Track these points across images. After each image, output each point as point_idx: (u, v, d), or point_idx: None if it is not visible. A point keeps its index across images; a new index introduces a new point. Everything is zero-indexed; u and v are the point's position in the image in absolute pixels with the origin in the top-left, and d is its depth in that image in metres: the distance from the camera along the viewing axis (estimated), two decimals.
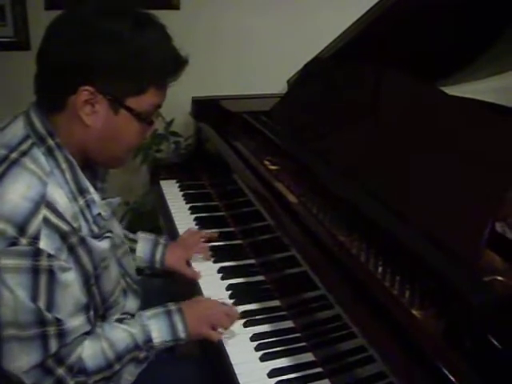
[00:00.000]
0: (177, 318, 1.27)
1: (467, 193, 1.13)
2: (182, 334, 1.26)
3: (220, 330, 1.31)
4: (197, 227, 1.80)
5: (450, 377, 0.86)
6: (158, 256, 1.58)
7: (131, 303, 1.37)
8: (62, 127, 1.10)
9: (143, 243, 1.59)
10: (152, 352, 1.24)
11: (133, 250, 1.56)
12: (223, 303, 1.38)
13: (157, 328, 1.24)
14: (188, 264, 1.60)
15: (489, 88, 2.07)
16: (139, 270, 1.56)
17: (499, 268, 1.09)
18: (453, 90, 1.43)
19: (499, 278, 1.06)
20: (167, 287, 1.71)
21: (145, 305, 1.42)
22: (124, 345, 1.19)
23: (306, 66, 1.94)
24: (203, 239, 1.68)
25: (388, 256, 1.18)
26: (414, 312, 1.04)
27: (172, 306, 1.30)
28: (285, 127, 1.81)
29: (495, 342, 0.87)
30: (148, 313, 1.28)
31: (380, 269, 1.16)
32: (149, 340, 1.23)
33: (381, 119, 1.46)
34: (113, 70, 1.05)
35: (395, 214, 1.22)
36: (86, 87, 1.04)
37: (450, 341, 0.95)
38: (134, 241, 1.58)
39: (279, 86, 2.16)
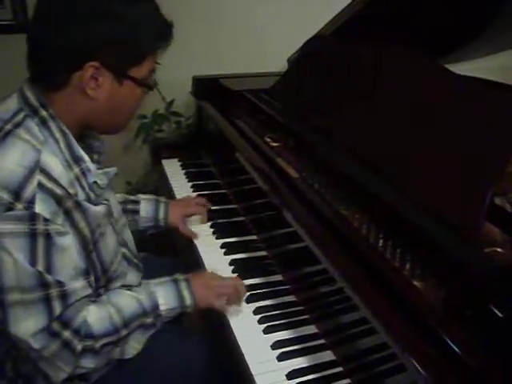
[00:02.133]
0: (183, 286, 1.29)
1: (467, 166, 1.14)
2: (188, 302, 1.28)
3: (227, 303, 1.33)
4: None
5: (453, 346, 0.88)
6: (161, 214, 1.65)
7: (132, 276, 1.38)
8: (61, 101, 1.12)
9: (146, 203, 1.65)
10: (159, 320, 1.26)
11: (136, 212, 1.62)
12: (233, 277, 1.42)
13: (163, 295, 1.27)
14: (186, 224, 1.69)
15: (487, 66, 2.07)
16: (142, 233, 1.63)
17: (498, 240, 1.10)
18: (453, 68, 1.43)
19: (498, 249, 1.07)
20: (170, 265, 1.72)
21: None
22: (131, 310, 1.21)
23: (306, 43, 1.94)
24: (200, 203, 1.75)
25: (389, 229, 1.19)
26: (416, 283, 1.05)
27: (179, 276, 1.32)
28: (285, 104, 1.82)
29: (496, 311, 0.89)
30: (155, 281, 1.30)
31: (381, 241, 1.18)
32: (156, 306, 1.25)
33: (381, 95, 1.46)
34: (115, 45, 1.08)
35: (396, 187, 1.23)
36: (92, 63, 1.07)
37: (452, 310, 0.96)
38: (137, 202, 1.64)
39: (280, 65, 2.16)
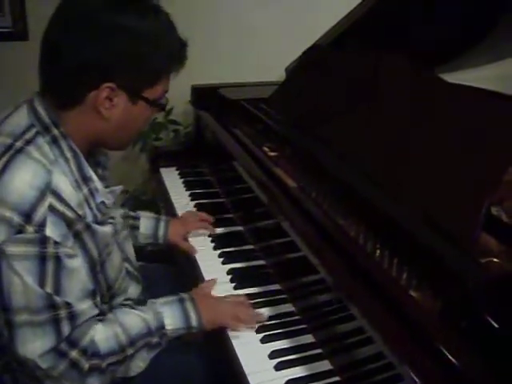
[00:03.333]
0: (190, 307, 1.29)
1: (464, 176, 1.14)
2: (194, 323, 1.28)
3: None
4: None
5: (449, 356, 0.88)
6: (160, 231, 1.65)
7: (132, 289, 1.39)
8: (72, 119, 1.11)
9: (145, 220, 1.65)
10: (164, 339, 1.26)
11: (135, 228, 1.62)
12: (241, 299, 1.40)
13: (170, 315, 1.26)
14: (186, 240, 1.68)
15: (487, 76, 2.07)
16: (141, 248, 1.63)
17: (495, 250, 1.10)
18: (451, 77, 1.44)
19: (495, 259, 1.07)
20: (168, 274, 1.73)
21: (146, 291, 1.44)
22: (137, 330, 1.21)
23: (304, 53, 1.95)
24: (201, 219, 1.74)
25: (386, 239, 1.20)
26: (412, 293, 1.05)
27: (184, 295, 1.32)
28: (283, 114, 1.83)
29: (492, 321, 0.89)
30: (161, 300, 1.30)
31: (378, 251, 1.18)
32: (162, 326, 1.24)
33: (379, 105, 1.47)
34: (131, 66, 1.08)
35: (393, 197, 1.24)
36: (108, 84, 1.07)
37: (448, 321, 0.96)
38: (137, 218, 1.64)
39: (278, 74, 2.17)
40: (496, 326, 0.88)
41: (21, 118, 1.11)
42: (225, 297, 1.39)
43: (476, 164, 1.14)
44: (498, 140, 1.14)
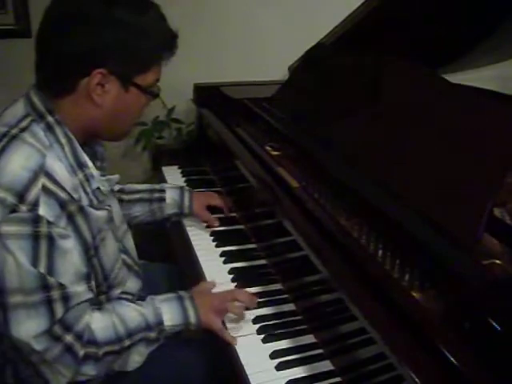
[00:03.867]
0: (188, 304, 1.30)
1: (467, 177, 1.14)
2: (192, 320, 1.29)
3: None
4: None
5: (450, 358, 0.88)
6: (186, 201, 1.73)
7: (132, 283, 1.39)
8: (66, 107, 1.14)
9: (171, 191, 1.72)
10: (162, 335, 1.26)
11: (162, 199, 1.69)
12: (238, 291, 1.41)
13: (168, 311, 1.27)
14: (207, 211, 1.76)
15: (488, 76, 2.08)
16: (166, 219, 1.73)
17: (497, 252, 1.11)
18: (452, 78, 1.44)
19: (497, 261, 1.07)
20: (170, 273, 1.73)
21: (147, 289, 1.45)
22: (135, 323, 1.22)
23: (307, 51, 1.95)
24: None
25: (388, 239, 1.20)
26: (414, 294, 1.05)
27: (183, 293, 1.33)
28: (286, 113, 1.82)
29: (494, 324, 0.89)
30: (160, 297, 1.30)
31: (380, 252, 1.18)
32: (160, 322, 1.25)
33: (382, 105, 1.47)
34: (122, 52, 1.11)
35: (396, 198, 1.24)
36: (99, 70, 1.10)
37: (450, 322, 0.97)
38: (162, 190, 1.71)
39: (281, 73, 2.17)
40: (498, 327, 0.88)
41: (17, 110, 1.14)
42: (224, 294, 1.38)
43: (478, 165, 1.14)
44: (500, 140, 1.14)
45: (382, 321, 1.00)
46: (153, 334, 1.24)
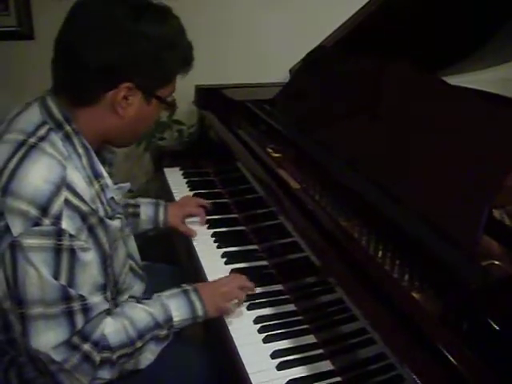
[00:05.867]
0: (194, 297, 1.31)
1: (466, 179, 1.15)
2: (200, 312, 1.30)
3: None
4: None
5: (450, 358, 0.89)
6: (161, 216, 1.70)
7: (136, 287, 1.40)
8: (85, 117, 1.14)
9: (145, 206, 1.69)
10: (172, 331, 1.27)
11: (136, 215, 1.66)
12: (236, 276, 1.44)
13: (176, 307, 1.28)
14: (183, 223, 1.74)
15: (488, 79, 2.08)
16: (142, 234, 1.68)
17: (496, 253, 1.11)
18: (453, 81, 1.44)
19: (496, 262, 1.08)
20: (172, 274, 1.73)
21: (150, 290, 1.45)
22: (145, 323, 1.22)
23: (308, 54, 1.95)
24: (199, 204, 1.79)
25: (388, 240, 1.21)
26: (414, 294, 1.06)
27: (187, 286, 1.34)
28: (287, 115, 1.83)
29: (493, 324, 0.89)
30: (166, 293, 1.31)
31: (380, 253, 1.19)
32: (169, 319, 1.26)
33: (382, 108, 1.48)
34: (149, 66, 1.12)
35: (395, 199, 1.24)
36: (126, 84, 1.10)
37: (449, 323, 0.97)
38: (137, 206, 1.67)
39: (283, 76, 2.17)
40: (497, 328, 0.89)
41: (32, 116, 1.13)
42: (227, 279, 1.41)
43: (477, 167, 1.15)
44: (499, 142, 1.14)
45: (382, 321, 1.01)
46: (163, 332, 1.25)
